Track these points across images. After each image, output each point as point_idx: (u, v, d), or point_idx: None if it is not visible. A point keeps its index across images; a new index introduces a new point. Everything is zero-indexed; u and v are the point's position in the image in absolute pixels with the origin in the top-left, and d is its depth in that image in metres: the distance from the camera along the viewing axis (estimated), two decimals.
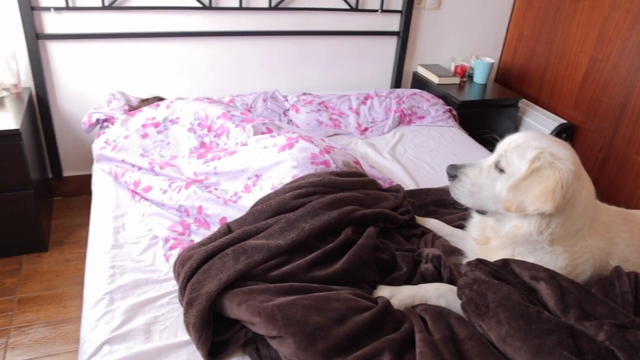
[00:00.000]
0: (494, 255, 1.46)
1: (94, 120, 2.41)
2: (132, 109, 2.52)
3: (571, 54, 3.14)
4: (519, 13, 3.52)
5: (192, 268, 1.38)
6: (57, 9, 2.48)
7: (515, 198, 1.33)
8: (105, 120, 2.43)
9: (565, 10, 3.14)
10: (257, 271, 1.37)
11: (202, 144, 2.12)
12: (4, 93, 2.47)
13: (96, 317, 1.39)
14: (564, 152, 1.35)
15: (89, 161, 2.75)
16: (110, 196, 1.95)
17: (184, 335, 1.34)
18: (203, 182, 1.88)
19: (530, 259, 1.39)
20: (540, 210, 1.30)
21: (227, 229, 1.52)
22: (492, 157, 1.46)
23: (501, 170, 1.41)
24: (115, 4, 2.57)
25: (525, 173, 1.33)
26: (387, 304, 1.30)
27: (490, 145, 2.92)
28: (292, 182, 1.68)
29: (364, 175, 1.87)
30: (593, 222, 1.40)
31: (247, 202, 1.71)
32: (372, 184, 1.81)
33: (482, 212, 1.49)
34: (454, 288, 1.42)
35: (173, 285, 1.52)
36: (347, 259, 1.42)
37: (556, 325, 1.16)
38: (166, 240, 1.65)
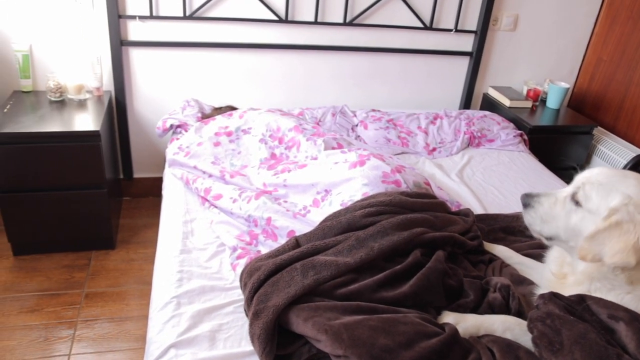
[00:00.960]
0: (569, 291, 1.39)
1: (168, 125, 2.49)
2: (205, 116, 2.59)
3: None
4: (598, 38, 3.40)
5: (260, 279, 1.39)
6: (141, 17, 2.59)
7: (591, 248, 1.28)
8: (178, 126, 2.51)
9: None
10: (324, 288, 1.36)
11: (273, 155, 2.15)
12: (87, 95, 2.60)
13: (163, 320, 1.42)
14: None
15: (158, 164, 2.86)
16: (180, 201, 2.00)
17: (247, 346, 1.35)
18: (272, 194, 1.90)
19: (610, 297, 1.32)
20: (619, 265, 1.25)
21: (296, 242, 1.52)
22: (568, 188, 1.41)
23: (577, 203, 1.36)
24: (195, 15, 2.66)
25: (605, 224, 1.27)
26: (455, 331, 1.27)
27: (560, 172, 2.83)
28: (362, 200, 1.67)
29: (434, 197, 1.85)
30: None
31: (316, 216, 1.71)
32: (442, 206, 1.78)
33: (551, 239, 1.44)
34: (521, 322, 1.37)
35: (238, 294, 1.53)
36: (415, 281, 1.39)
37: None
38: (234, 249, 1.68)
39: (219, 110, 2.58)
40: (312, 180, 1.86)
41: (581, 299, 1.31)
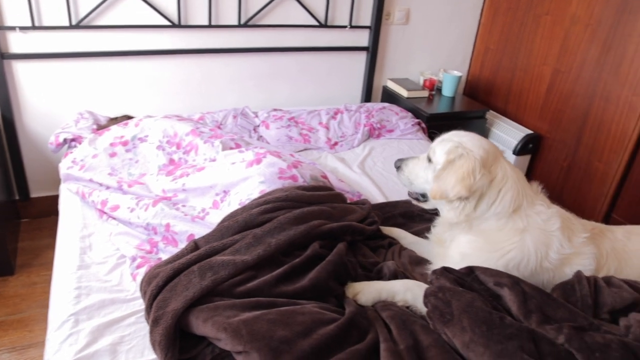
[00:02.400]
0: (450, 253, 1.57)
1: (61, 140, 2.38)
2: (100, 128, 2.50)
3: (535, 67, 3.22)
4: (485, 28, 3.60)
5: (158, 286, 1.37)
6: (22, 28, 2.46)
7: (438, 187, 1.54)
8: (73, 139, 2.41)
9: (529, 25, 3.23)
10: (223, 287, 1.37)
11: (171, 161, 2.11)
12: None
13: (60, 340, 1.37)
14: (477, 144, 1.54)
15: (58, 181, 2.73)
16: (77, 216, 1.93)
17: (150, 354, 1.33)
18: (171, 199, 1.87)
19: (465, 239, 1.55)
20: (458, 195, 1.49)
21: (194, 245, 1.52)
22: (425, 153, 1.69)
23: (430, 160, 1.63)
24: (82, 23, 2.56)
25: (443, 164, 1.54)
26: (353, 314, 1.31)
27: None
28: (259, 198, 1.68)
29: (331, 189, 1.89)
30: (527, 210, 1.52)
31: (215, 218, 1.70)
32: (339, 197, 1.82)
33: (423, 199, 1.71)
34: (421, 284, 1.46)
35: (140, 305, 1.50)
36: (314, 274, 1.42)
37: (518, 329, 1.18)
38: (133, 259, 1.64)
39: (114, 121, 2.50)
40: (211, 182, 1.85)
41: (470, 270, 1.40)
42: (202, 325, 1.25)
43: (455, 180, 1.48)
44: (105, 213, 1.88)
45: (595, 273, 1.47)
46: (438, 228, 1.68)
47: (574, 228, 1.52)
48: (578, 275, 1.38)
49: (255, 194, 1.74)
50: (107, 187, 2.00)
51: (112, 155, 2.14)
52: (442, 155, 1.56)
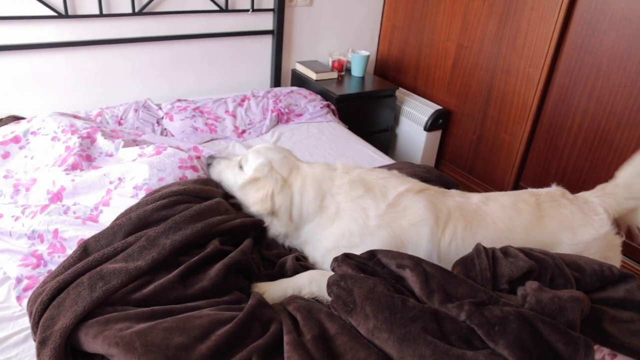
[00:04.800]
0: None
1: None
2: None
3: (440, 43, 3.27)
4: (390, 6, 3.61)
5: (44, 302, 1.26)
6: None
7: (241, 198, 1.65)
8: None
9: (431, 1, 3.26)
10: (117, 296, 1.27)
11: (67, 148, 1.95)
12: None
13: None
14: (286, 164, 1.63)
15: None
16: None
17: None
18: (62, 196, 1.72)
19: (309, 248, 1.62)
20: (258, 213, 1.60)
21: (83, 250, 1.40)
22: (240, 157, 1.75)
23: (241, 167, 1.69)
24: None
25: (247, 179, 1.62)
26: (253, 307, 1.26)
27: (372, 137, 2.98)
28: (154, 192, 1.59)
29: None
30: (332, 191, 1.59)
31: (109, 217, 1.58)
32: None
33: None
34: (326, 273, 1.43)
35: (28, 321, 1.38)
36: (215, 272, 1.36)
37: (420, 311, 1.17)
38: (19, 280, 1.48)
39: (0, 122, 2.30)
40: (104, 171, 1.74)
41: (372, 254, 1.38)
42: (92, 341, 1.16)
43: (254, 200, 1.58)
44: None
45: (436, 226, 1.52)
46: (277, 239, 1.67)
47: (388, 184, 1.60)
48: (477, 248, 1.39)
49: (154, 181, 1.65)
50: (1, 193, 1.83)
51: (6, 156, 1.96)
52: (251, 169, 1.64)
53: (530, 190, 1.72)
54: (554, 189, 1.70)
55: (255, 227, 1.60)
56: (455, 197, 1.62)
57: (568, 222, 1.58)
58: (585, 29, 2.47)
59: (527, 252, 1.37)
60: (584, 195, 1.69)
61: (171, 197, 1.53)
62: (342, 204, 1.56)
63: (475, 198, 1.63)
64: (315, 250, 1.58)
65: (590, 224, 1.58)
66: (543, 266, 1.35)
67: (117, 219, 1.51)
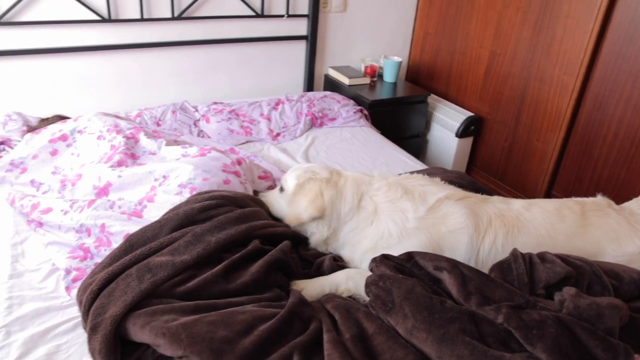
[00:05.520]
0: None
1: None
2: (30, 129, 2.38)
3: (473, 50, 3.28)
4: (422, 12, 3.63)
5: (94, 292, 1.31)
6: None
7: (292, 212, 1.63)
8: (1, 143, 2.28)
9: (464, 8, 3.27)
10: (163, 288, 1.32)
11: (112, 147, 2.03)
12: None
13: None
14: (323, 167, 1.69)
15: None
16: (8, 223, 1.83)
17: None
18: (108, 191, 1.79)
19: (346, 250, 1.64)
20: (311, 217, 1.59)
21: (130, 244, 1.46)
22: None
23: (282, 190, 1.72)
24: (3, 19, 2.43)
25: (294, 189, 1.64)
26: (294, 305, 1.29)
27: (404, 142, 3.00)
28: (202, 194, 1.64)
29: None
30: (370, 193, 1.63)
31: (153, 212, 1.64)
32: None
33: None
34: (362, 271, 1.46)
35: (77, 311, 1.44)
36: (256, 269, 1.40)
37: (458, 312, 1.19)
38: (67, 271, 1.56)
39: (46, 121, 2.38)
40: (150, 168, 1.81)
41: (409, 256, 1.40)
42: (139, 331, 1.21)
43: (306, 203, 1.59)
44: (32, 221, 1.79)
45: (476, 234, 1.52)
46: (318, 248, 1.69)
47: (426, 191, 1.62)
48: (514, 253, 1.40)
49: (198, 181, 1.71)
50: (44, 192, 1.91)
51: (54, 153, 2.05)
52: (293, 180, 1.66)
53: (575, 198, 1.71)
54: (600, 199, 1.69)
55: (296, 237, 1.64)
56: (496, 204, 1.62)
57: (614, 233, 1.56)
58: (623, 36, 2.45)
59: (564, 259, 1.38)
60: (630, 206, 1.68)
61: (218, 199, 1.58)
62: (380, 204, 1.59)
63: (517, 204, 1.63)
64: (355, 252, 1.60)
65: (637, 236, 1.56)
66: (580, 273, 1.35)
67: (165, 214, 1.56)
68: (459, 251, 1.51)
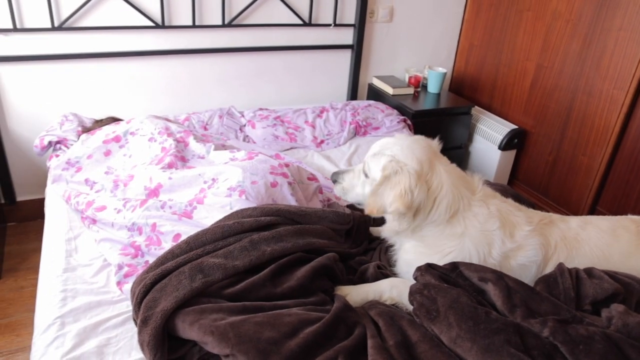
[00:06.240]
0: (398, 259, 1.64)
1: (46, 142, 2.37)
2: (85, 130, 2.48)
3: (519, 62, 3.25)
4: (468, 24, 3.62)
5: (147, 286, 1.36)
6: (3, 30, 2.44)
7: (375, 203, 1.53)
8: (58, 142, 2.39)
9: (512, 21, 3.25)
10: (212, 289, 1.36)
11: (163, 149, 2.11)
12: None
13: (46, 343, 1.37)
14: (410, 155, 1.53)
15: (44, 185, 2.71)
16: (62, 219, 1.92)
17: (137, 354, 1.33)
18: (159, 191, 1.86)
19: (409, 245, 1.59)
20: (396, 212, 1.49)
21: (187, 244, 1.50)
22: (361, 164, 1.68)
23: (366, 175, 1.63)
24: (65, 25, 2.55)
25: (380, 180, 1.53)
26: (339, 310, 1.32)
27: (446, 152, 2.98)
28: (269, 206, 1.67)
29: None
30: (465, 213, 1.53)
31: (202, 213, 1.69)
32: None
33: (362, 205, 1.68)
34: (406, 281, 1.48)
35: (127, 306, 1.51)
36: (303, 273, 1.42)
37: (503, 324, 1.20)
38: (119, 267, 1.62)
39: (100, 123, 2.49)
40: (199, 171, 1.86)
41: (454, 266, 1.41)
42: (188, 328, 1.25)
43: (393, 197, 1.48)
44: (86, 218, 1.87)
45: (542, 263, 1.50)
46: (385, 234, 1.69)
47: (517, 222, 1.54)
48: (560, 268, 1.40)
49: (247, 183, 1.75)
50: (98, 191, 1.99)
51: (107, 154, 2.14)
52: (378, 171, 1.56)
53: (630, 216, 1.68)
54: None
55: (348, 258, 1.67)
56: (559, 225, 1.58)
57: None
58: None
59: (612, 275, 1.37)
60: None
61: (275, 215, 1.60)
62: (470, 229, 1.51)
63: (574, 222, 1.60)
64: (403, 255, 1.59)
65: None
66: (629, 290, 1.34)
67: (220, 221, 1.59)
68: (524, 279, 1.48)
